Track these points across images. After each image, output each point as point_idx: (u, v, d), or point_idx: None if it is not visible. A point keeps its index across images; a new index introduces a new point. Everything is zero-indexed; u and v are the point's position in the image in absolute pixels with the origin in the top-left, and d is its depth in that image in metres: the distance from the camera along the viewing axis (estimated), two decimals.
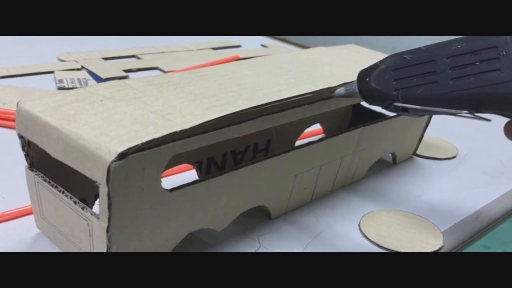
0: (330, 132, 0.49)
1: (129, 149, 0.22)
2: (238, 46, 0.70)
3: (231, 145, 0.38)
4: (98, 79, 0.55)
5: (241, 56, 0.64)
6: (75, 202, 0.25)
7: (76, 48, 0.62)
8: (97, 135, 0.23)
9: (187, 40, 0.69)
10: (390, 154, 0.43)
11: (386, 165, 0.44)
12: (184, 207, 0.27)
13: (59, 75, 0.54)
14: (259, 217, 0.34)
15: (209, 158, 0.38)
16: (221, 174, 0.28)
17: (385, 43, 1.65)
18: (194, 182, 0.27)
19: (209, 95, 0.28)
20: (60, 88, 0.51)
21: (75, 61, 0.58)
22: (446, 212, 0.37)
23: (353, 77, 0.33)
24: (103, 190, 0.23)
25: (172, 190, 0.26)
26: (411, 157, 0.45)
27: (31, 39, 0.64)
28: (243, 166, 0.30)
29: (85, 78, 0.54)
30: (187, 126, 0.24)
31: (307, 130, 0.45)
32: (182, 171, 0.38)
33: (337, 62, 0.37)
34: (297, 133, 0.44)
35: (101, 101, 0.26)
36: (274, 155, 0.32)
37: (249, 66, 0.34)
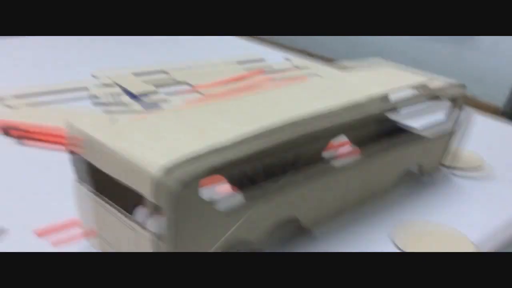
0: (356, 142, 0.50)
1: (175, 163, 0.24)
2: (262, 60, 0.72)
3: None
4: (130, 94, 0.57)
5: (266, 70, 0.65)
6: (126, 216, 0.26)
7: (107, 64, 0.65)
8: (143, 150, 0.25)
9: (212, 56, 0.71)
10: (416, 166, 0.44)
11: (413, 176, 0.44)
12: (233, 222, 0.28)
13: (93, 91, 0.56)
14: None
15: (240, 172, 0.39)
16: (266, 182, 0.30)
17: (405, 53, 1.65)
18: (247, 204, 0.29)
19: (251, 118, 0.30)
20: (96, 104, 0.53)
21: (108, 77, 0.61)
22: (478, 222, 0.38)
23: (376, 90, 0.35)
24: (169, 216, 0.24)
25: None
26: (438, 168, 0.46)
27: (62, 56, 0.67)
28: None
29: (118, 94, 0.56)
30: (223, 139, 0.26)
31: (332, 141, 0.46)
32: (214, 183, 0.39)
33: (366, 80, 0.39)
34: (323, 146, 0.46)
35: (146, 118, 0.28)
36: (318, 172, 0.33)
37: (291, 91, 0.36)
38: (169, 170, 0.23)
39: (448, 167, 0.46)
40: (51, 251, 0.31)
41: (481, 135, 0.55)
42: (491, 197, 0.42)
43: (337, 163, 0.35)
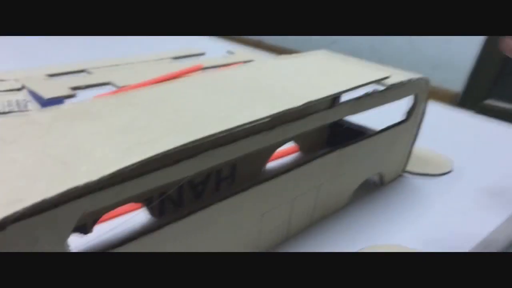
0: (306, 149, 0.42)
1: (5, 218, 0.15)
2: (202, 54, 0.64)
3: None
4: (41, 99, 0.48)
5: (205, 65, 0.57)
6: None
7: (18, 64, 0.55)
8: None
9: (145, 52, 0.62)
10: (376, 175, 0.37)
11: (373, 187, 0.37)
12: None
13: None
14: None
15: (161, 193, 0.31)
16: (160, 227, 0.22)
17: (362, 41, 1.60)
18: (123, 242, 0.21)
19: (134, 129, 0.21)
20: None
21: (15, 80, 0.51)
22: (449, 243, 0.31)
23: (320, 93, 0.27)
24: None
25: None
26: (400, 175, 0.39)
27: None
28: (189, 214, 0.23)
29: (24, 100, 0.47)
30: (94, 178, 0.17)
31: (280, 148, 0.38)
32: (130, 211, 0.31)
33: (303, 75, 0.31)
34: (267, 155, 0.38)
35: None
36: (232, 194, 0.25)
37: (195, 84, 0.28)
38: None
39: (411, 172, 0.39)
40: None
41: (446, 132, 0.49)
42: (461, 208, 0.35)
43: (274, 185, 0.27)
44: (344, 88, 0.28)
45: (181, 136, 0.20)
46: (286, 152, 0.41)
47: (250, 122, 0.22)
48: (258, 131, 0.23)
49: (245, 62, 0.62)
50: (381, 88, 0.32)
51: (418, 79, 0.33)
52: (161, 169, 0.20)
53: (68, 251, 0.18)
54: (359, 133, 0.39)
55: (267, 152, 0.37)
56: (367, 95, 0.30)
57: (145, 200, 0.30)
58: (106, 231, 0.29)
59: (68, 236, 0.18)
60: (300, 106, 0.25)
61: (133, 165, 0.18)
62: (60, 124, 0.21)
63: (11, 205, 0.16)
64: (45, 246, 0.17)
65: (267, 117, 0.23)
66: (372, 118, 0.36)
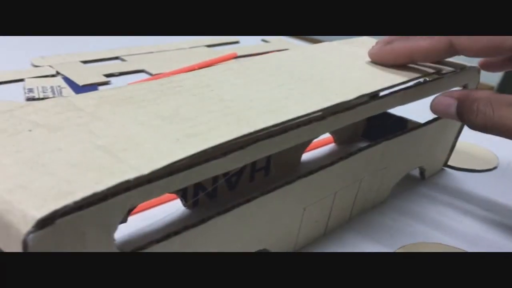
0: (341, 141, 0.41)
1: (55, 212, 0.15)
2: (236, 42, 0.63)
3: None
4: (75, 86, 0.48)
5: (239, 54, 0.56)
6: None
7: (53, 51, 0.55)
8: (11, 188, 0.16)
9: (178, 39, 0.61)
10: (417, 169, 0.36)
11: (413, 181, 0.36)
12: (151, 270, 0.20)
13: (29, 83, 0.47)
14: None
15: (195, 184, 0.31)
16: (203, 221, 0.21)
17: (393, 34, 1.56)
18: (167, 236, 0.20)
19: (182, 118, 0.20)
20: (29, 99, 0.44)
21: (50, 66, 0.51)
22: (493, 243, 0.30)
23: (371, 84, 0.25)
24: None
25: (135, 250, 0.19)
26: (442, 170, 0.38)
27: (1, 40, 0.57)
28: (233, 207, 0.22)
29: (59, 86, 0.47)
30: (145, 171, 0.17)
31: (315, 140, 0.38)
32: (163, 202, 0.31)
33: (349, 63, 0.30)
34: (303, 146, 0.37)
35: (29, 131, 0.19)
36: (275, 188, 0.24)
37: (238, 72, 0.27)
38: (32, 216, 0.15)
39: (454, 167, 0.38)
40: None
41: None
42: (507, 205, 0.33)
43: (317, 178, 0.26)
44: (395, 82, 0.27)
45: (232, 129, 0.20)
46: (321, 144, 0.40)
47: (303, 116, 0.22)
48: (308, 122, 0.22)
49: (280, 50, 0.60)
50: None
51: (470, 68, 0.31)
52: (211, 161, 0.19)
53: (114, 245, 0.18)
54: (399, 125, 0.38)
55: (303, 143, 0.36)
56: (418, 84, 0.29)
57: (180, 190, 0.29)
58: (144, 222, 0.28)
59: (115, 229, 0.17)
60: (352, 100, 0.24)
61: (184, 159, 0.17)
62: (104, 111, 0.21)
63: (60, 198, 0.15)
64: (92, 240, 0.16)
65: (319, 110, 0.22)
66: (411, 109, 0.35)
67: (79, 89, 0.47)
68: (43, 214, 0.15)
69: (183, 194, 0.30)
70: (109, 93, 0.23)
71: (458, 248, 0.29)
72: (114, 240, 0.17)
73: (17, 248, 0.15)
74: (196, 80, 0.25)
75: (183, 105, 0.22)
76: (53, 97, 0.45)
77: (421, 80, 0.29)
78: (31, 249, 0.15)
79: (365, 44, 0.35)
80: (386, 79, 0.27)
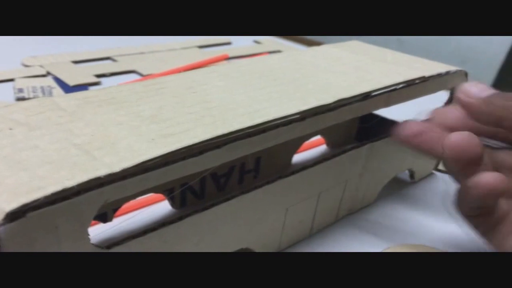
0: (333, 144, 0.41)
1: (24, 205, 0.15)
2: (228, 43, 0.63)
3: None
4: (65, 86, 0.47)
5: (231, 55, 0.56)
6: None
7: (43, 50, 0.55)
8: None
9: (170, 39, 0.61)
10: (407, 171, 0.36)
11: (402, 184, 0.36)
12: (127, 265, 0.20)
13: (19, 83, 0.47)
14: None
15: (182, 184, 0.31)
16: (180, 218, 0.21)
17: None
18: (145, 231, 0.20)
19: (161, 119, 0.21)
20: (19, 99, 0.44)
21: (41, 66, 0.51)
22: (481, 246, 0.30)
23: (354, 88, 0.25)
24: None
25: (110, 246, 0.19)
26: (432, 173, 0.38)
27: None
28: (213, 205, 0.22)
29: (49, 86, 0.47)
30: (116, 169, 0.17)
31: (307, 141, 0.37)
32: (152, 203, 0.31)
33: (336, 67, 0.30)
34: (293, 148, 0.37)
35: (10, 129, 0.19)
36: (257, 186, 0.24)
37: (223, 74, 0.27)
38: (1, 208, 0.15)
39: (444, 171, 0.38)
40: None
41: None
42: None
43: (299, 179, 0.26)
44: (378, 86, 0.27)
45: (207, 130, 0.20)
46: (312, 146, 0.40)
47: (280, 118, 0.22)
48: (287, 123, 0.22)
49: (272, 52, 0.60)
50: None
51: (456, 72, 0.31)
52: (185, 159, 0.19)
53: (88, 239, 0.17)
54: (390, 128, 0.38)
55: (293, 145, 0.36)
56: (402, 87, 0.29)
57: (167, 190, 0.29)
58: (126, 220, 0.28)
59: (88, 224, 0.17)
60: (331, 104, 0.24)
61: (155, 158, 0.18)
62: (85, 111, 0.21)
63: (31, 193, 0.15)
64: (65, 233, 0.16)
65: (297, 113, 0.22)
66: (406, 112, 0.35)
67: (69, 89, 0.47)
68: (13, 207, 0.15)
69: (169, 194, 0.30)
70: (93, 93, 0.23)
71: (442, 251, 0.29)
72: (88, 234, 0.17)
73: None
74: (180, 82, 0.25)
75: (164, 106, 0.22)
76: (43, 97, 0.45)
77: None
78: (4, 242, 0.15)
79: (353, 47, 0.35)
80: (370, 84, 0.27)
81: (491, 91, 0.24)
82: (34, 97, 0.45)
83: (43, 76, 0.49)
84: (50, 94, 0.46)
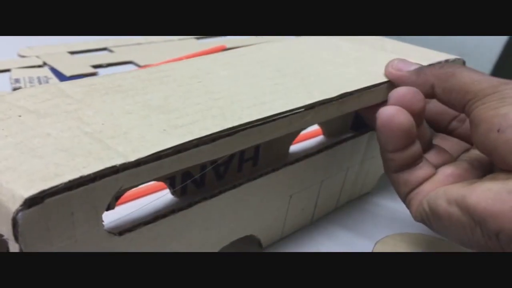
0: (330, 133, 0.42)
1: (42, 191, 0.15)
2: (225, 34, 0.63)
3: None
4: (62, 77, 0.47)
5: (228, 46, 0.56)
6: None
7: (40, 42, 0.55)
8: (1, 169, 0.16)
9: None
10: None
11: None
12: (139, 251, 0.20)
13: (16, 73, 0.47)
14: (245, 247, 0.27)
15: (184, 173, 0.31)
16: (190, 205, 0.22)
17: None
18: (155, 219, 0.20)
19: (169, 109, 0.21)
20: (15, 89, 0.44)
21: (37, 56, 0.51)
22: None
23: (356, 82, 0.26)
24: (13, 247, 0.16)
25: (122, 233, 0.19)
26: None
27: None
28: (220, 193, 0.23)
29: (46, 77, 0.47)
30: (132, 158, 0.17)
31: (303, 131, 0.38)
32: (152, 192, 0.31)
33: (337, 58, 0.30)
34: (291, 137, 0.37)
35: (19, 116, 0.19)
36: (261, 175, 0.25)
37: (226, 63, 0.27)
38: (20, 195, 0.15)
39: None
40: None
41: None
42: None
43: (304, 166, 0.26)
44: (380, 80, 0.27)
45: (216, 122, 0.20)
46: (310, 136, 0.41)
47: (287, 111, 0.22)
48: (293, 115, 0.23)
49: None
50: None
51: (454, 60, 0.32)
52: (197, 147, 0.19)
53: (102, 225, 0.18)
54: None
55: (292, 135, 0.37)
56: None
57: (168, 179, 0.30)
58: (131, 209, 0.28)
59: (102, 211, 0.17)
60: (335, 97, 0.24)
61: (169, 148, 0.18)
62: (92, 98, 0.21)
63: (48, 180, 0.15)
64: (80, 219, 0.17)
65: (302, 107, 0.23)
66: None
67: (66, 80, 0.47)
68: (31, 193, 0.15)
69: (171, 182, 0.30)
70: (98, 81, 0.23)
71: (438, 238, 0.29)
72: (102, 220, 0.18)
73: (7, 226, 0.15)
74: (184, 71, 0.25)
75: (170, 95, 0.22)
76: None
77: None
78: (21, 227, 0.15)
79: (354, 38, 0.35)
80: (372, 76, 0.27)
81: (417, 65, 0.26)
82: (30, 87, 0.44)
83: (40, 66, 0.49)
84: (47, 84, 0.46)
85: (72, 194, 0.16)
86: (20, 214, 0.15)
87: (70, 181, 0.15)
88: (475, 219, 0.20)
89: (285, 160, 0.34)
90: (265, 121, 0.21)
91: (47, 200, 0.15)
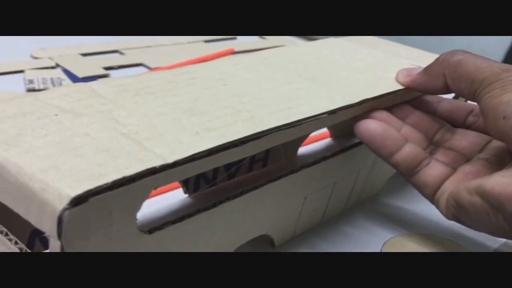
0: (338, 136, 0.43)
1: (88, 191, 0.16)
2: (234, 38, 0.64)
3: None
4: (75, 78, 0.48)
5: (237, 50, 0.57)
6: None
7: (52, 43, 0.55)
8: (45, 168, 0.17)
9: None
10: None
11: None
12: (166, 250, 0.21)
13: (29, 74, 0.48)
14: (258, 246, 0.28)
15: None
16: (214, 205, 0.23)
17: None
18: (181, 218, 0.21)
19: (199, 112, 0.22)
20: (29, 90, 0.45)
21: (50, 58, 0.52)
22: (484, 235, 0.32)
23: (375, 88, 0.27)
24: (54, 244, 0.16)
25: (151, 231, 0.20)
26: None
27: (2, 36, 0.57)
28: (242, 193, 0.24)
29: (59, 78, 0.48)
30: (169, 160, 0.18)
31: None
32: (167, 190, 0.32)
33: (353, 63, 0.31)
34: (301, 140, 0.38)
35: (56, 115, 0.20)
36: (280, 177, 0.26)
37: (248, 66, 0.28)
38: (67, 194, 0.16)
39: None
40: None
41: None
42: None
43: (320, 169, 0.28)
44: (399, 87, 0.28)
45: (247, 126, 0.21)
46: (316, 138, 0.42)
47: (312, 117, 0.23)
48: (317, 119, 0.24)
49: (277, 47, 0.62)
50: None
51: None
52: (228, 150, 0.20)
53: (135, 223, 0.19)
54: None
55: (301, 137, 0.38)
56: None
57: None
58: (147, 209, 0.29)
59: (138, 209, 0.18)
60: (356, 103, 0.25)
61: (204, 151, 0.19)
62: (124, 99, 0.22)
63: (93, 180, 0.16)
64: (117, 218, 0.18)
65: (325, 112, 0.24)
66: None
67: (79, 81, 0.48)
68: (77, 193, 0.16)
69: (185, 182, 0.31)
70: (127, 81, 0.24)
71: (447, 238, 0.30)
72: (136, 219, 0.18)
73: (51, 224, 0.16)
74: (210, 73, 0.26)
75: (199, 98, 0.23)
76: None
77: None
78: (65, 225, 0.16)
79: (367, 41, 0.36)
80: (389, 83, 0.29)
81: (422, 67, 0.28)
82: (44, 89, 0.45)
83: (52, 68, 0.50)
84: (60, 85, 0.46)
85: (113, 194, 0.17)
86: (66, 212, 0.16)
87: (113, 182, 0.16)
88: (494, 204, 0.21)
89: (293, 161, 0.35)
90: (291, 125, 0.22)
91: (91, 199, 0.16)
